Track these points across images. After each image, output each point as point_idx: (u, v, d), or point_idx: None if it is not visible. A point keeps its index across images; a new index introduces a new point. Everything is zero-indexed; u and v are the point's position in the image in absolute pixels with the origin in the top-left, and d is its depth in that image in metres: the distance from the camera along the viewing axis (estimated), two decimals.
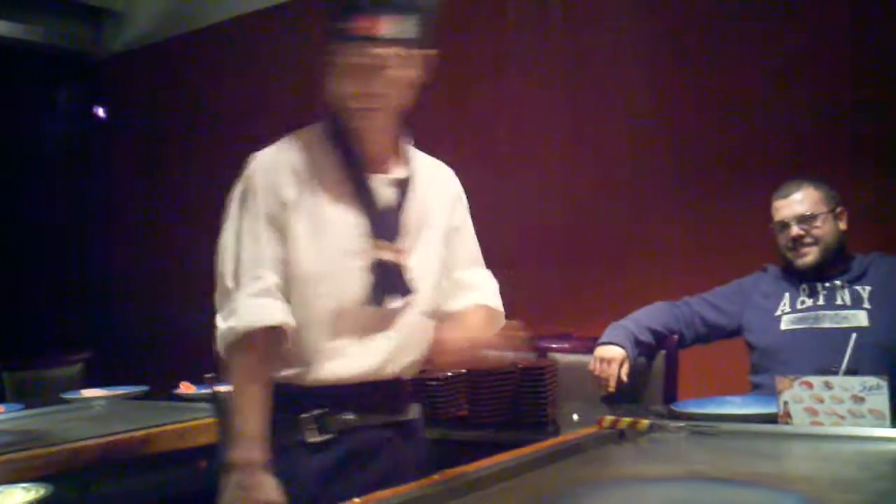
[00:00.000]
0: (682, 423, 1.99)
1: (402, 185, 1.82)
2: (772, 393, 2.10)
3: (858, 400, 1.91)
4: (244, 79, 5.31)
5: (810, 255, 2.73)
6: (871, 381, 1.91)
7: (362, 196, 1.77)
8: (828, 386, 1.95)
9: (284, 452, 1.67)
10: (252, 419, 1.63)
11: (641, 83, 4.04)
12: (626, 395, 2.82)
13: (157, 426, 2.52)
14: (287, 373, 1.72)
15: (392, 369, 1.78)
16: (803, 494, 1.39)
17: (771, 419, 2.05)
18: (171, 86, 5.86)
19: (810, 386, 1.97)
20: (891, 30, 3.40)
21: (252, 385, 1.65)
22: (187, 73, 5.75)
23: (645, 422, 1.94)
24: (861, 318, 2.63)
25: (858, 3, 3.49)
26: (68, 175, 6.18)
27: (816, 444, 1.88)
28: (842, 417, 1.93)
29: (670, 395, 2.95)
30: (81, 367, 4.23)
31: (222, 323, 1.66)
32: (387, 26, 1.67)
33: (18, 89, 5.94)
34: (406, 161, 1.86)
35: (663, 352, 3.00)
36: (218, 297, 1.72)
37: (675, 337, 2.95)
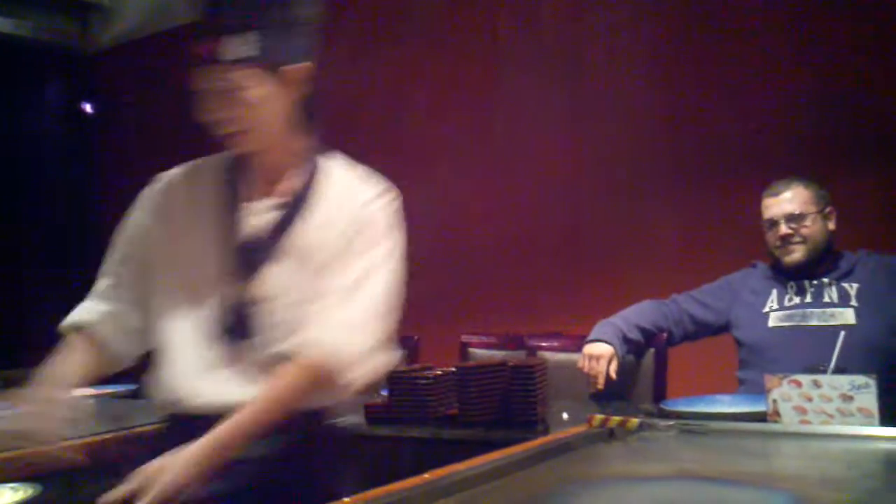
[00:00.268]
0: (671, 422, 1.99)
1: (288, 208, 1.74)
2: (759, 389, 2.11)
3: (847, 398, 1.92)
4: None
5: (797, 253, 2.75)
6: (860, 379, 1.92)
7: (225, 229, 1.74)
8: (816, 384, 1.96)
9: None
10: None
11: (638, 81, 4.05)
12: (615, 393, 2.83)
13: (146, 425, 2.51)
14: (169, 399, 1.74)
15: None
16: (792, 493, 1.40)
17: (760, 418, 2.05)
18: (161, 80, 5.82)
19: (799, 384, 1.98)
20: (891, 25, 3.41)
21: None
22: (176, 68, 5.72)
23: (634, 420, 1.95)
24: (848, 316, 2.65)
25: None
26: (58, 171, 6.14)
27: (805, 442, 1.88)
28: (830, 416, 1.93)
29: (660, 394, 2.96)
30: None
31: None
32: (229, 48, 1.65)
33: (6, 84, 5.90)
34: (302, 182, 1.76)
35: (652, 350, 3.00)
36: None
37: (664, 335, 2.96)
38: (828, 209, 2.79)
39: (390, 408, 2.66)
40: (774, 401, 1.99)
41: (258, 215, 1.74)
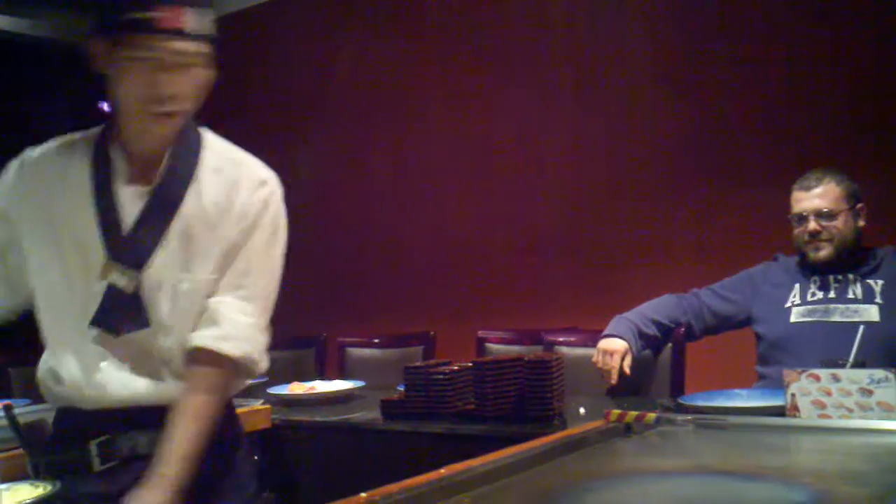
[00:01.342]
0: (689, 417, 1.98)
1: (160, 198, 1.64)
2: (778, 384, 2.09)
3: (866, 392, 1.90)
4: (246, 69, 5.29)
5: (825, 251, 2.71)
6: (880, 373, 1.90)
7: (102, 214, 1.62)
8: (836, 378, 1.94)
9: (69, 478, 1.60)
10: None
11: (647, 75, 4.03)
12: (630, 388, 2.82)
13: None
14: (64, 392, 1.68)
15: (157, 397, 1.65)
16: (811, 488, 1.39)
17: (779, 412, 2.04)
18: None
19: (818, 378, 1.96)
20: None
21: None
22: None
23: (652, 415, 1.94)
24: (872, 313, 2.62)
25: None
26: None
27: (824, 437, 1.87)
28: (850, 410, 1.92)
29: (677, 388, 2.95)
30: None
31: None
32: (192, 20, 1.52)
33: (24, 84, 5.93)
34: (171, 166, 1.67)
35: (670, 344, 2.99)
36: None
37: (682, 329, 2.94)
38: (858, 206, 2.74)
39: (407, 403, 2.66)
40: (793, 395, 1.98)
41: (140, 199, 1.64)
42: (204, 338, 1.63)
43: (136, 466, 1.60)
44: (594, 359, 2.82)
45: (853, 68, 3.53)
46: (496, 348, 3.51)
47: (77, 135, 1.73)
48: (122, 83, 1.58)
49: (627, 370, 2.77)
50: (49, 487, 1.50)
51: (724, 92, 3.83)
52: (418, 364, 2.78)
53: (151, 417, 1.62)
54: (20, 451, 1.76)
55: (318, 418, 2.86)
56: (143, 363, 1.65)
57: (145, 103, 1.57)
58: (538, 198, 4.39)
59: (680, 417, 1.98)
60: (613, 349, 2.78)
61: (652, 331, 2.88)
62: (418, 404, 2.63)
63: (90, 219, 1.63)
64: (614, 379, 2.75)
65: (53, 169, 1.68)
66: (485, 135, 4.56)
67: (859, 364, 2.29)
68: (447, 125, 4.68)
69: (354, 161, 4.93)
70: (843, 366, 2.19)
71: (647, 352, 2.95)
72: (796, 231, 2.77)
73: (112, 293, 1.61)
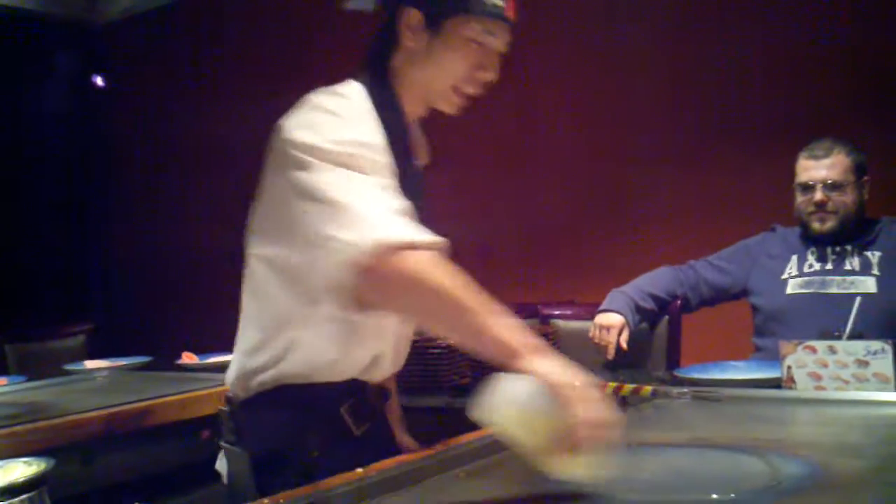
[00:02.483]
0: (685, 389, 1.98)
1: (422, 173, 1.74)
2: (774, 356, 2.09)
3: (863, 364, 1.90)
4: (243, 44, 5.26)
5: (829, 223, 2.69)
6: (876, 345, 1.90)
7: (410, 185, 1.57)
8: (832, 350, 1.94)
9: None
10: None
11: (649, 47, 4.01)
12: (629, 361, 2.82)
13: (160, 397, 2.52)
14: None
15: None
16: (807, 460, 1.39)
17: (775, 384, 2.04)
18: (170, 52, 5.82)
19: (814, 350, 1.96)
20: None
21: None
22: (186, 40, 5.70)
23: (648, 388, 1.94)
24: (869, 284, 2.61)
25: None
26: (68, 144, 6.16)
27: (820, 408, 1.87)
28: (846, 382, 1.92)
29: (673, 361, 2.95)
30: (84, 339, 4.23)
31: None
32: (514, 10, 1.59)
33: (16, 58, 5.89)
34: (423, 146, 1.77)
35: (666, 317, 2.99)
36: None
37: (679, 302, 2.94)
38: (864, 178, 2.71)
39: (402, 377, 2.66)
40: (789, 367, 1.98)
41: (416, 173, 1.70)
42: None
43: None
44: (591, 334, 2.81)
45: (854, 38, 3.50)
46: None
47: (345, 88, 1.60)
48: (446, 59, 1.58)
49: (625, 345, 2.76)
50: (43, 465, 1.50)
51: (724, 63, 3.80)
52: (414, 339, 2.77)
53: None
54: (11, 428, 1.75)
55: None
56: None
57: (462, 82, 1.60)
58: (534, 171, 4.37)
59: (676, 390, 1.98)
60: (610, 324, 2.78)
61: (649, 304, 2.88)
62: (414, 379, 2.63)
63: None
64: (611, 354, 2.75)
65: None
66: (483, 110, 4.53)
67: (856, 336, 2.29)
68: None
69: None
70: (839, 337, 2.19)
71: (644, 325, 2.95)
72: (800, 200, 2.74)
73: None
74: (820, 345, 1.96)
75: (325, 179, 1.42)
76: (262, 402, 1.58)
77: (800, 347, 1.97)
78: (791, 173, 2.77)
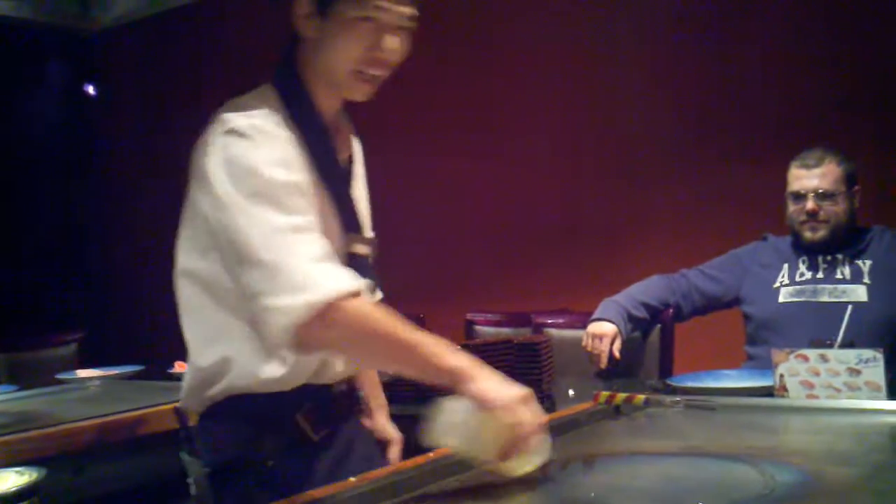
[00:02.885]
0: (678, 398, 1.99)
1: (349, 166, 1.69)
2: (767, 364, 2.10)
3: (854, 372, 1.91)
4: (237, 52, 5.26)
5: (821, 232, 2.69)
6: (868, 353, 1.91)
7: (335, 186, 1.59)
8: (824, 359, 1.95)
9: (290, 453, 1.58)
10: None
11: (639, 54, 4.02)
12: (619, 370, 2.82)
13: (152, 406, 2.51)
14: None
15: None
16: (800, 468, 1.39)
17: (767, 392, 2.04)
18: (163, 60, 5.81)
19: (806, 359, 1.97)
20: None
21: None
22: (179, 48, 5.70)
23: (641, 396, 1.94)
24: (860, 293, 2.62)
25: None
26: (60, 153, 6.14)
27: (812, 417, 1.87)
28: (838, 390, 1.93)
29: (666, 369, 2.95)
30: (76, 348, 4.22)
31: None
32: None
33: (8, 66, 5.88)
34: (347, 137, 1.72)
35: (659, 326, 2.99)
36: None
37: (671, 310, 2.95)
38: (855, 188, 2.73)
39: (395, 386, 2.66)
40: (781, 375, 1.99)
41: (352, 170, 1.69)
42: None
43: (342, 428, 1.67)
44: (583, 343, 2.81)
45: (848, 46, 3.52)
46: (485, 331, 3.51)
47: (256, 98, 1.60)
48: (339, 42, 1.52)
49: (617, 354, 2.77)
50: (35, 475, 1.49)
51: (718, 71, 3.82)
52: None
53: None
54: (3, 438, 1.74)
55: None
56: None
57: (361, 64, 1.53)
58: (528, 181, 4.38)
59: (669, 398, 1.98)
60: (603, 333, 2.78)
61: (641, 313, 2.88)
62: (407, 387, 2.62)
63: (324, 190, 1.57)
64: (604, 363, 2.76)
65: (294, 140, 1.54)
66: (472, 118, 4.54)
67: (848, 344, 2.30)
68: (432, 108, 4.65)
69: None
70: (831, 346, 2.20)
71: (636, 333, 2.96)
72: (792, 209, 2.75)
73: (355, 263, 1.58)
74: (812, 353, 1.96)
75: (244, 227, 1.42)
76: (215, 414, 1.58)
77: (792, 356, 1.98)
78: (783, 182, 2.78)
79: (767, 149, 3.49)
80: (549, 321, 3.27)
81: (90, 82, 6.23)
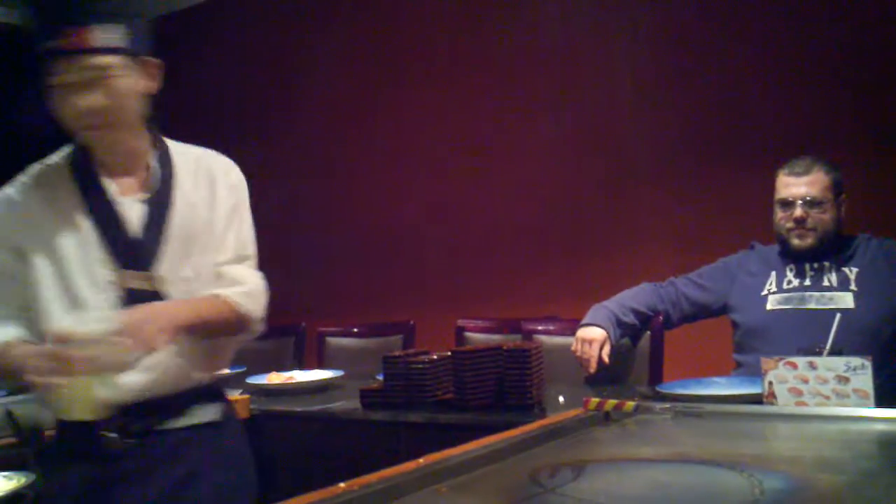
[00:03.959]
0: (667, 405, 1.99)
1: (155, 203, 1.77)
2: (755, 372, 2.11)
3: (843, 380, 1.92)
4: (233, 60, 5.26)
5: (808, 239, 2.71)
6: (856, 361, 1.92)
7: (103, 225, 1.72)
8: (812, 366, 1.96)
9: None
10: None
11: (632, 63, 4.03)
12: (609, 376, 2.83)
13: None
14: None
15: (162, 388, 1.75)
16: (788, 475, 1.39)
17: (756, 399, 2.05)
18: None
19: (795, 366, 1.97)
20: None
21: None
22: (177, 53, 5.69)
23: (630, 403, 1.94)
24: (847, 300, 2.63)
25: None
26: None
27: (801, 424, 1.88)
28: (826, 397, 1.93)
29: (656, 377, 2.96)
30: None
31: None
32: (98, 36, 1.63)
33: (7, 75, 5.86)
34: (157, 173, 1.80)
35: (648, 333, 3.00)
36: None
37: (660, 318, 2.96)
38: (842, 197, 2.74)
39: (386, 392, 2.66)
40: (770, 383, 1.99)
41: (130, 209, 1.75)
42: (230, 292, 1.78)
43: (153, 441, 1.73)
44: (573, 347, 2.83)
45: (835, 55, 3.54)
46: (475, 337, 3.51)
47: (46, 163, 1.81)
48: (58, 107, 1.68)
49: (606, 359, 2.78)
50: (23, 480, 1.49)
51: (707, 79, 3.84)
52: (397, 353, 2.78)
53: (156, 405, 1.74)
54: None
55: (296, 408, 2.85)
56: (154, 356, 1.69)
57: (72, 121, 1.69)
58: (517, 187, 4.39)
59: (658, 405, 1.99)
60: (592, 338, 2.79)
61: (630, 319, 2.90)
62: (397, 394, 2.63)
63: (91, 232, 1.71)
64: (593, 367, 2.77)
65: (37, 200, 1.74)
66: (464, 124, 4.54)
67: (836, 352, 2.31)
68: (424, 116, 4.66)
69: (329, 154, 4.89)
70: (819, 353, 2.21)
71: (626, 340, 2.97)
72: (779, 216, 2.76)
73: (133, 297, 1.69)
74: (800, 361, 1.97)
75: None
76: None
77: (781, 363, 1.99)
78: (770, 191, 2.79)
79: (755, 159, 3.51)
80: (540, 328, 3.28)
81: None
